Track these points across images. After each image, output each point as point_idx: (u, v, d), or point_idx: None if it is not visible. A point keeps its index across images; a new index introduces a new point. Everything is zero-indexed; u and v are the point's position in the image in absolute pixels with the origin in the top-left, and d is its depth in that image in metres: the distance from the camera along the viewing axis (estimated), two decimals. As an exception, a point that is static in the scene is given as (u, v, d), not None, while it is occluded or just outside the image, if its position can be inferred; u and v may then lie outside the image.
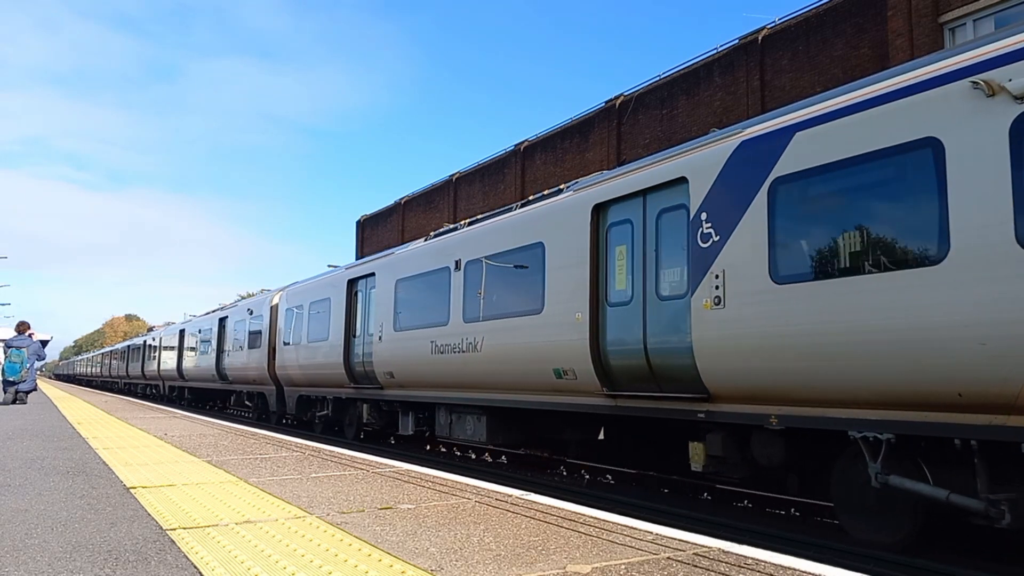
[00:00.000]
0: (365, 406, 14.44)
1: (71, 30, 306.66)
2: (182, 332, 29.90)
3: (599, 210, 8.65)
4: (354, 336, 14.57)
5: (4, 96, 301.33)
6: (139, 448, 8.45)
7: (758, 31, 21.08)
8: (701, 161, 7.40)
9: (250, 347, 20.49)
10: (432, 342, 11.41)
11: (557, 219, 9.29)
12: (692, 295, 7.20)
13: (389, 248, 17.28)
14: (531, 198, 10.44)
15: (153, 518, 4.43)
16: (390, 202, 41.00)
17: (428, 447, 15.08)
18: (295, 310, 17.59)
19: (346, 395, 14.91)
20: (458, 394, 11.08)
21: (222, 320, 23.99)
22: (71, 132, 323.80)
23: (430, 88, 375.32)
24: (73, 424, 11.98)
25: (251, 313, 20.86)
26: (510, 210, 10.78)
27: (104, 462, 7.08)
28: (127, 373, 44.75)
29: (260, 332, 19.80)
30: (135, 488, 5.53)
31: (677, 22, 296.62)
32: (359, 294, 14.76)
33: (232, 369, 22.30)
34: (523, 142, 30.44)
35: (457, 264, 11.13)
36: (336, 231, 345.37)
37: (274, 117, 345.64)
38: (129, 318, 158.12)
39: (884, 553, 6.13)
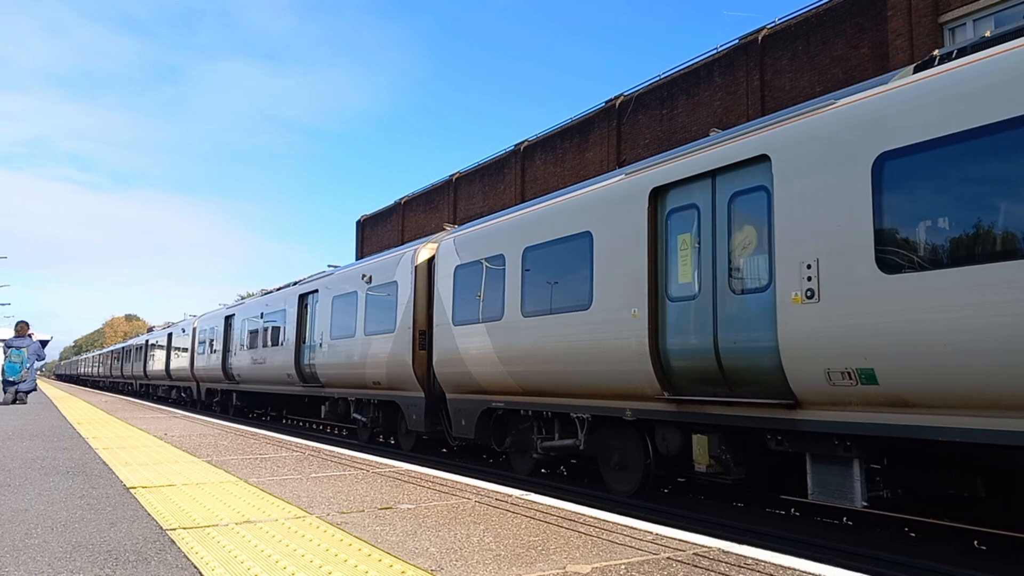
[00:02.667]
0: (708, 440, 7.32)
1: (76, 33, 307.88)
2: (229, 319, 23.21)
3: None
4: (671, 298, 7.58)
5: (8, 97, 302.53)
6: (139, 448, 8.45)
7: (758, 31, 21.09)
8: None
9: (369, 332, 13.77)
10: None
11: None
12: None
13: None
14: None
15: (153, 518, 4.43)
16: (390, 202, 41.05)
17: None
18: (480, 267, 10.54)
19: (636, 412, 8.05)
20: None
21: (304, 297, 17.31)
22: (74, 133, 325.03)
23: (431, 89, 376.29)
24: (73, 424, 11.98)
25: (368, 281, 14.03)
26: None
27: (104, 462, 7.08)
28: (145, 374, 37.56)
29: (392, 308, 13.03)
30: (135, 488, 5.53)
31: (677, 22, 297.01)
32: (678, 217, 7.65)
33: (328, 367, 15.49)
34: (523, 142, 30.45)
35: None
36: (336, 231, 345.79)
37: (276, 118, 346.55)
38: (129, 318, 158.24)
39: (885, 553, 6.13)
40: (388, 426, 14.20)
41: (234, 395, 23.21)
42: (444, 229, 13.56)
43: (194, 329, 27.60)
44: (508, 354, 9.82)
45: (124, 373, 45.68)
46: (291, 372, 17.39)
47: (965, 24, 15.65)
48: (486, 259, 10.49)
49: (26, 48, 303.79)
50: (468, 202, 33.40)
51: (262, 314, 20.07)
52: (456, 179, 34.76)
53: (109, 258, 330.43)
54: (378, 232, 41.51)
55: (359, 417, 14.83)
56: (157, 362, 34.27)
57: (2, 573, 3.20)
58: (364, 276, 14.23)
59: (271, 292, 20.55)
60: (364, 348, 13.89)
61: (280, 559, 3.50)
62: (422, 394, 12.22)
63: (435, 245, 12.40)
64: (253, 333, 20.66)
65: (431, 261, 12.30)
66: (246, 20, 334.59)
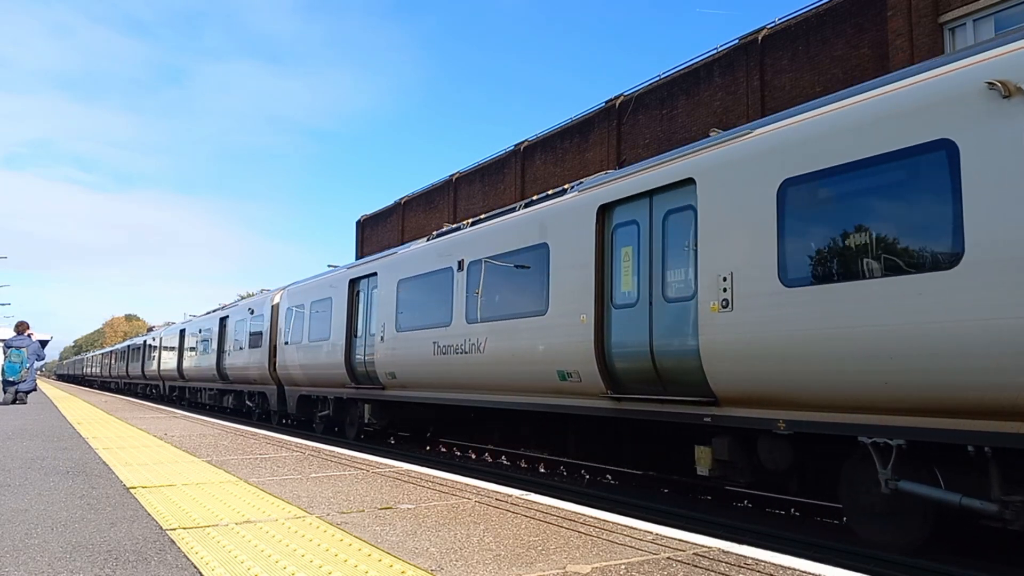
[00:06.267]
0: None
1: (82, 35, 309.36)
2: (360, 284, 14.79)
3: None
4: None
5: (12, 99, 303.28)
6: (139, 448, 8.45)
7: (758, 31, 21.09)
8: None
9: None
10: None
11: None
12: None
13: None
14: None
15: (153, 518, 4.43)
16: (390, 202, 41.06)
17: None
18: None
19: None
20: None
21: (609, 210, 8.82)
22: (78, 135, 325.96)
23: (433, 89, 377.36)
24: (73, 424, 11.97)
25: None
26: None
27: (104, 462, 7.08)
28: (180, 374, 29.17)
29: None
30: (135, 488, 5.53)
31: (677, 22, 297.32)
32: None
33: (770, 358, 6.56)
34: (523, 142, 30.45)
35: None
36: (336, 231, 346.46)
37: (279, 119, 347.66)
38: (129, 318, 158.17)
39: (884, 553, 6.13)
40: None
41: (365, 407, 14.29)
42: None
43: (275, 307, 19.01)
44: None
45: (145, 373, 37.33)
46: (581, 370, 8.70)
47: (965, 24, 15.65)
48: None
49: (31, 50, 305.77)
50: (468, 202, 33.40)
51: (462, 264, 11.29)
52: (456, 179, 34.77)
53: (109, 258, 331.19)
54: (378, 232, 41.52)
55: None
56: (198, 358, 26.20)
57: (2, 573, 3.20)
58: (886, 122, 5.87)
59: (479, 223, 11.63)
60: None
61: (280, 559, 3.50)
62: None
63: None
64: (440, 301, 11.78)
65: None
66: (250, 22, 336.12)
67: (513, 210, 10.87)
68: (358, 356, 14.31)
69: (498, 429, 12.40)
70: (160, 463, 7.09)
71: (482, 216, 11.77)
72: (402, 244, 14.70)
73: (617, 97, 25.74)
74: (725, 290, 7.00)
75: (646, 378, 8.04)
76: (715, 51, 22.51)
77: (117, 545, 3.74)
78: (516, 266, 10.21)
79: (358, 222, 44.32)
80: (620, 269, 8.53)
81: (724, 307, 7.01)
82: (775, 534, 6.86)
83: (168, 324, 36.99)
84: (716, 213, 7.28)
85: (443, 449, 14.53)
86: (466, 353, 10.85)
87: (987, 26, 15.28)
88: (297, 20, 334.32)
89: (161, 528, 4.16)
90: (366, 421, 14.21)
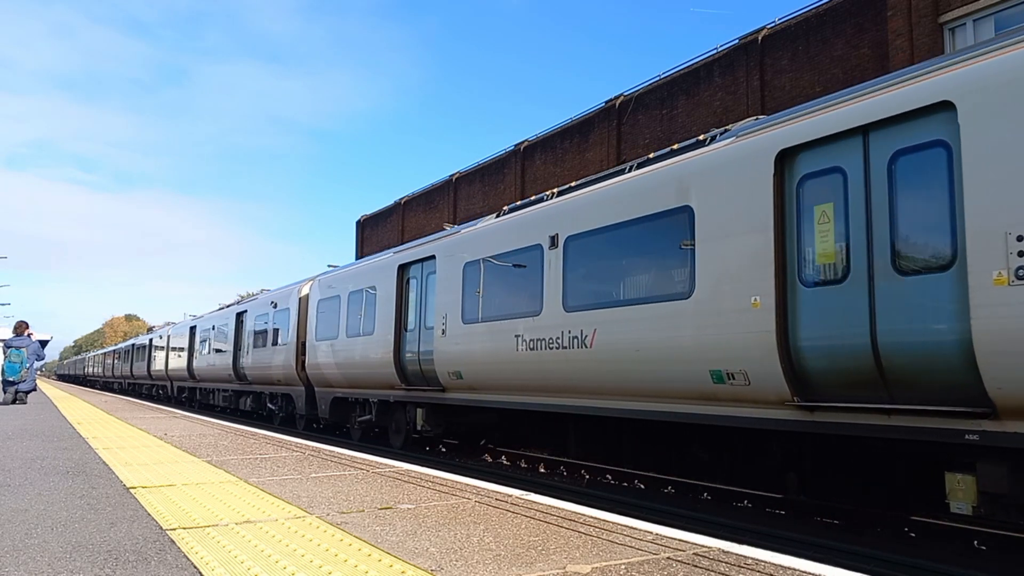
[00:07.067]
0: None
1: (83, 35, 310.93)
2: (412, 269, 12.88)
3: None
4: None
5: (13, 100, 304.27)
6: (139, 448, 8.45)
7: (758, 31, 21.10)
8: None
9: None
10: None
11: None
12: None
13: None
14: None
15: (153, 518, 4.43)
16: (390, 202, 41.07)
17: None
18: None
19: None
20: None
21: None
22: (79, 135, 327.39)
23: (433, 90, 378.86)
24: (73, 424, 11.97)
25: None
26: None
27: (104, 462, 7.07)
28: (190, 373, 26.07)
29: None
30: (135, 488, 5.53)
31: (677, 22, 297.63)
32: None
33: None
34: (523, 142, 30.45)
35: None
36: (336, 231, 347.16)
37: (280, 120, 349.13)
38: (129, 318, 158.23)
39: (884, 553, 6.13)
40: None
41: (417, 412, 12.51)
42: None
43: (303, 299, 16.65)
44: None
45: (152, 373, 32.54)
46: (750, 369, 6.89)
47: (965, 24, 15.65)
48: None
49: (33, 51, 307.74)
50: (468, 202, 33.41)
51: (556, 240, 9.45)
52: (456, 179, 34.77)
53: (109, 258, 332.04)
54: (378, 232, 41.53)
55: None
56: (212, 357, 23.02)
57: (2, 573, 3.20)
58: None
59: (571, 191, 9.79)
60: None
61: (280, 559, 3.50)
62: None
63: None
64: (524, 285, 9.99)
65: None
66: (252, 22, 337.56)
67: (621, 172, 8.97)
68: (410, 353, 12.42)
69: (630, 444, 9.66)
70: (160, 463, 7.09)
71: (573, 184, 9.93)
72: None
73: (617, 97, 25.74)
74: (1023, 254, 4.95)
75: (860, 380, 5.99)
76: (715, 51, 22.51)
77: (117, 545, 3.74)
78: (640, 238, 8.19)
79: (358, 222, 44.34)
80: (814, 234, 6.47)
81: (1021, 278, 4.94)
82: (775, 534, 6.86)
83: (168, 324, 36.57)
84: (998, 145, 5.19)
85: (503, 461, 12.52)
86: (564, 348, 8.91)
87: (987, 26, 15.27)
88: (298, 20, 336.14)
89: (161, 528, 4.15)
90: (418, 427, 12.36)
